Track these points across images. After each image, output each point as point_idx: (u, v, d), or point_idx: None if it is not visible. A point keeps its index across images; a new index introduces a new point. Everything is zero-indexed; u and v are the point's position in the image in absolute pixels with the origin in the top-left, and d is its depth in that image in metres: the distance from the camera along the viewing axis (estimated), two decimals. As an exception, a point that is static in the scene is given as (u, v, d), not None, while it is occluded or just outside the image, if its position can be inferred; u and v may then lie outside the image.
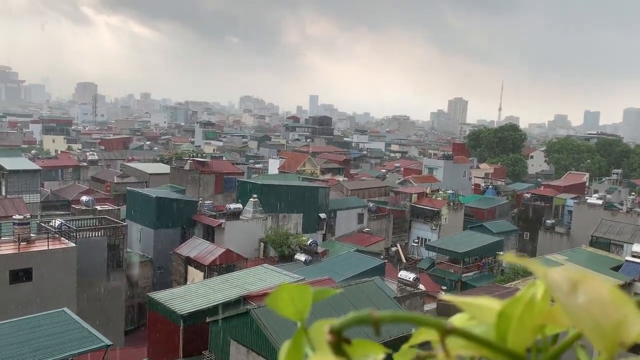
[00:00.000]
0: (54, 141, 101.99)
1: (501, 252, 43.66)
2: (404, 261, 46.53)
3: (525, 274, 37.10)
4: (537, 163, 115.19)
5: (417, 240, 52.16)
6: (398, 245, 49.95)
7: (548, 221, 56.42)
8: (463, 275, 41.20)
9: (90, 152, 78.44)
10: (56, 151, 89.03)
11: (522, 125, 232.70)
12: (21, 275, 26.26)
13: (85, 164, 67.90)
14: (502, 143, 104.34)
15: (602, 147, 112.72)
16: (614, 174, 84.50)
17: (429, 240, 49.84)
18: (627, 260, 38.53)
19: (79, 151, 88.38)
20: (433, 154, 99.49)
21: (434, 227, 52.33)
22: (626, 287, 34.01)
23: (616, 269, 37.93)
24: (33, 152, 78.74)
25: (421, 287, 31.62)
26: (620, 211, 53.04)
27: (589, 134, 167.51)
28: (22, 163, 53.48)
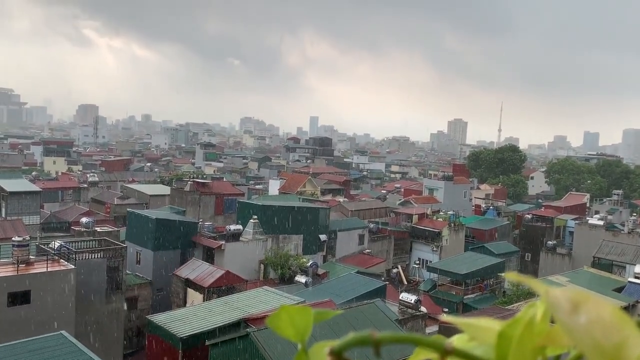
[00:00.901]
0: (54, 163, 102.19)
1: (502, 274, 43.40)
2: (405, 283, 46.21)
3: (528, 295, 36.82)
4: (537, 184, 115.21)
5: (418, 262, 51.88)
6: (399, 266, 49.68)
7: (549, 242, 56.20)
8: (465, 297, 40.88)
9: (91, 174, 78.54)
10: (57, 172, 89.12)
11: (522, 146, 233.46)
12: (19, 297, 26.05)
13: (85, 185, 67.91)
14: (502, 164, 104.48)
15: (602, 167, 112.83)
16: (614, 194, 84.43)
17: (430, 261, 49.55)
18: (629, 282, 38.28)
19: (79, 172, 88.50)
20: (433, 175, 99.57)
21: (435, 249, 52.11)
22: (629, 309, 33.72)
23: (619, 290, 37.68)
24: (34, 173, 78.83)
25: (423, 309, 31.32)
26: (622, 232, 52.86)
27: (588, 154, 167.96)
28: (22, 185, 53.49)
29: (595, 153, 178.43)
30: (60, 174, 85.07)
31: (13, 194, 49.32)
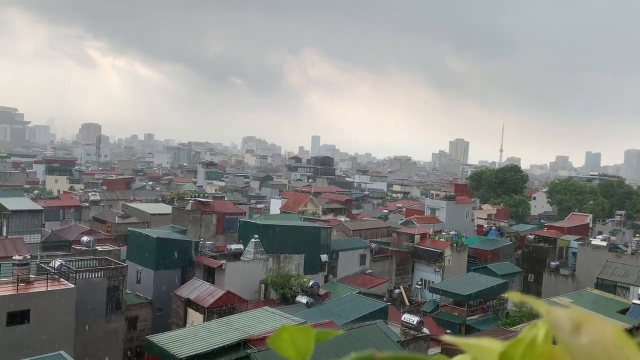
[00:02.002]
0: (56, 181, 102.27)
1: (505, 294, 43.05)
2: (408, 304, 45.84)
3: (531, 317, 36.48)
4: (539, 204, 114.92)
5: (420, 282, 51.51)
6: (401, 287, 49.31)
7: (552, 263, 55.83)
8: (468, 319, 40.47)
9: (93, 193, 78.55)
10: (58, 191, 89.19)
11: (524, 166, 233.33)
12: (18, 316, 25.86)
13: (87, 204, 67.90)
14: (504, 184, 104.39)
15: (605, 188, 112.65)
16: (617, 215, 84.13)
17: (433, 282, 49.21)
18: (634, 303, 37.93)
19: (81, 191, 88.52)
20: (435, 195, 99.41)
21: (437, 269, 51.77)
22: (634, 331, 33.34)
23: (623, 312, 37.30)
24: (35, 192, 78.87)
25: (425, 330, 31.02)
26: (625, 253, 52.52)
27: (590, 175, 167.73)
28: (23, 203, 53.51)
29: (597, 173, 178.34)
30: (62, 192, 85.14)
31: (15, 212, 49.30)
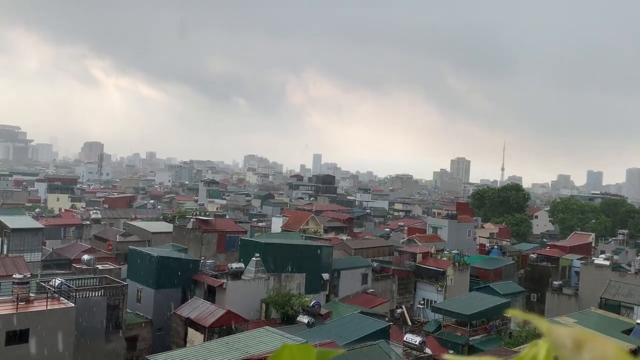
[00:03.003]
0: (58, 199, 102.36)
1: (507, 314, 42.66)
2: (410, 324, 45.48)
3: (534, 336, 36.12)
4: (541, 223, 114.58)
5: (422, 302, 51.16)
6: (403, 307, 48.97)
7: (555, 282, 55.46)
8: (470, 339, 40.10)
9: (94, 211, 78.52)
10: (60, 209, 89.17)
11: (525, 185, 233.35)
12: (18, 336, 25.67)
13: (88, 222, 67.84)
14: (505, 203, 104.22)
15: (607, 207, 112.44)
16: (620, 234, 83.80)
17: (435, 301, 48.85)
18: (638, 324, 37.60)
19: (82, 210, 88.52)
20: (437, 213, 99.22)
21: (439, 288, 51.45)
22: (639, 351, 32.96)
23: (628, 332, 36.97)
24: (37, 210, 78.90)
25: (427, 351, 30.73)
26: (629, 272, 52.19)
27: (592, 193, 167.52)
28: (24, 221, 53.48)
29: (599, 192, 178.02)
30: (63, 210, 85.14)
31: (15, 230, 49.25)
